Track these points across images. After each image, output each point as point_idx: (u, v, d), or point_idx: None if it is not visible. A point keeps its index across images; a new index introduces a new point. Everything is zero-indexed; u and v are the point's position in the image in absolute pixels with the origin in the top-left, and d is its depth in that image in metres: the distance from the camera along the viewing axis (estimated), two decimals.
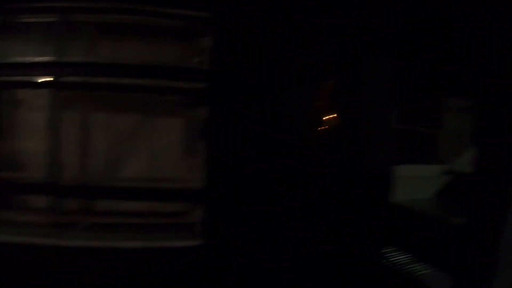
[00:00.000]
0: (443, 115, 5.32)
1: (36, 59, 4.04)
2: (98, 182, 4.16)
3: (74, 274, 3.50)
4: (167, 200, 4.16)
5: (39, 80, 4.08)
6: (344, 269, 3.15)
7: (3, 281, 3.47)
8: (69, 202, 4.13)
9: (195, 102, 4.18)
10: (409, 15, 2.73)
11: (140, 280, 3.41)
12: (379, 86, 3.23)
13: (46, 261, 3.62)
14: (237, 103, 3.82)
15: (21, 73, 4.00)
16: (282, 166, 3.84)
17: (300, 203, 3.68)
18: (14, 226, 4.02)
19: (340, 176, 3.41)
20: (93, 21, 4.13)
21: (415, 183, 4.77)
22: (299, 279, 3.25)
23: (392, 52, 3.11)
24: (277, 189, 3.75)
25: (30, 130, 4.16)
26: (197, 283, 3.47)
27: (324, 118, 4.36)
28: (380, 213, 3.17)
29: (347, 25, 3.21)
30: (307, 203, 3.56)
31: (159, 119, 4.25)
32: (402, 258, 3.60)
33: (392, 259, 3.60)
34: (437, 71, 3.70)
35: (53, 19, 4.08)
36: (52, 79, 4.06)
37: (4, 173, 4.09)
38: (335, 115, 3.99)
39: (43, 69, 3.97)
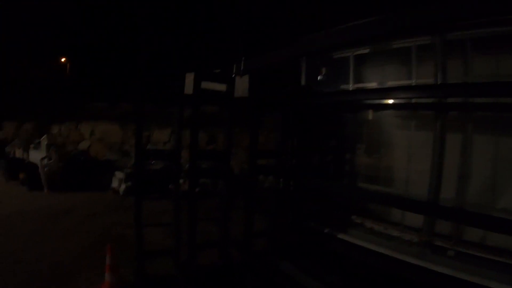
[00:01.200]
0: None
1: (410, 81, 4.27)
2: (475, 209, 3.72)
3: None
4: None
5: (418, 101, 4.23)
6: None
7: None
8: (443, 224, 3.99)
9: None
10: None
11: None
12: None
13: (405, 276, 3.62)
14: None
15: (395, 96, 4.23)
16: None
17: None
18: (378, 236, 4.33)
19: None
20: (469, 37, 3.96)
21: None
22: None
23: None
24: None
25: (404, 148, 4.45)
26: None
27: None
28: None
29: None
30: None
31: None
32: None
33: None
34: None
35: (429, 41, 4.18)
36: (431, 100, 4.16)
37: (371, 185, 4.62)
38: None
39: (418, 91, 4.03)
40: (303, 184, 4.76)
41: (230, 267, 4.06)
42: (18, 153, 9.35)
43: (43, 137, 8.29)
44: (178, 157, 3.37)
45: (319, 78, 4.98)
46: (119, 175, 8.52)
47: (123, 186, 8.25)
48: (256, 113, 4.19)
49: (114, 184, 8.43)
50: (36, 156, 8.17)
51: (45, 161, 7.95)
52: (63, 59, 15.20)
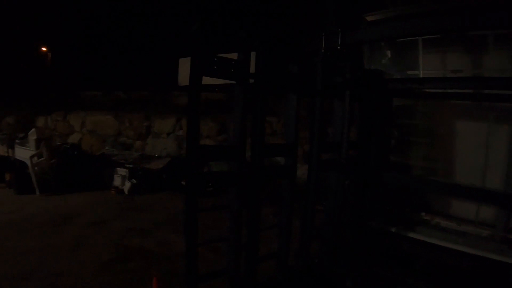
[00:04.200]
0: None
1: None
2: None
3: None
4: None
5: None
6: None
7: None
8: None
9: None
10: None
11: None
12: None
13: (483, 272, 3.54)
14: None
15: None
16: None
17: None
18: (452, 234, 3.97)
19: None
20: None
21: None
22: None
23: None
24: None
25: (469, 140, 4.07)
26: None
27: None
28: None
29: None
30: None
31: None
32: None
33: None
34: None
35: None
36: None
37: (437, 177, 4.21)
38: None
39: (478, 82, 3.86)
40: (369, 179, 4.14)
41: (292, 279, 3.34)
42: (2, 151, 8.21)
43: (31, 131, 7.14)
44: (242, 154, 2.49)
45: (383, 61, 4.23)
46: (121, 171, 7.53)
47: (127, 184, 7.27)
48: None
49: (117, 182, 7.43)
50: (23, 153, 7.04)
51: (35, 159, 6.87)
52: (44, 47, 13.87)
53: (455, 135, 4.17)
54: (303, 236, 3.45)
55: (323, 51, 3.28)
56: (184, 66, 10.94)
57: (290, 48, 3.05)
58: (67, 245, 4.30)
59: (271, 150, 2.90)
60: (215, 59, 2.32)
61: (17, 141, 7.56)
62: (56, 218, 5.26)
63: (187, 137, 2.26)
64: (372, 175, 4.21)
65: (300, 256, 3.54)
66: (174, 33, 10.12)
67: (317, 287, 3.47)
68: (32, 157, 6.80)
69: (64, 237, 4.54)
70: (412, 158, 4.41)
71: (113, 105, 9.63)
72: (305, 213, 3.42)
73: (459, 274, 3.58)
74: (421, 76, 4.14)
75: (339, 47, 3.37)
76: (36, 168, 6.81)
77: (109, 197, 6.83)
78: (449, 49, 4.06)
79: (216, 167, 6.56)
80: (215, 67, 2.33)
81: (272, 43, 2.55)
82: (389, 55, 4.34)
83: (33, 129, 7.35)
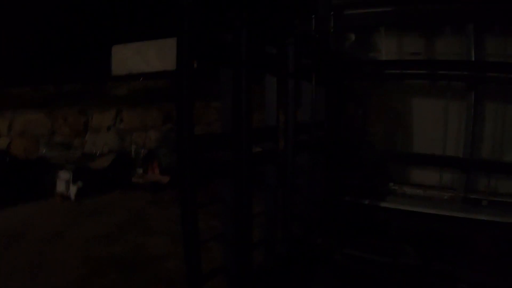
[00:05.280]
0: None
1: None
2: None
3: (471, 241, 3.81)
4: None
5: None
6: None
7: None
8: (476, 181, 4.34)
9: None
10: None
11: None
12: None
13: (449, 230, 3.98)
14: None
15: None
16: None
17: None
18: (419, 199, 4.44)
19: None
20: None
21: None
22: None
23: None
24: None
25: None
26: None
27: None
28: None
29: None
30: None
31: None
32: None
33: None
34: None
35: None
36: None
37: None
38: None
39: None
40: (338, 157, 4.29)
41: (282, 264, 3.33)
42: None
43: None
44: (238, 143, 2.30)
45: (348, 45, 4.32)
46: (63, 175, 6.75)
47: (73, 188, 6.57)
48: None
49: (60, 187, 6.65)
50: None
51: None
52: None
53: (414, 111, 4.48)
54: (284, 220, 3.43)
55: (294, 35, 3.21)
56: (118, 55, 10.07)
57: (271, 30, 2.90)
58: (23, 268, 3.72)
59: (258, 136, 2.76)
60: (209, 39, 2.08)
61: None
62: (0, 238, 4.58)
63: (179, 128, 2.01)
64: (341, 153, 4.34)
65: (284, 241, 3.54)
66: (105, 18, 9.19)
67: (308, 267, 3.51)
68: None
69: (18, 259, 3.92)
70: (377, 135, 4.63)
71: (44, 102, 8.54)
72: (283, 196, 3.38)
73: (430, 234, 3.88)
74: (384, 59, 4.36)
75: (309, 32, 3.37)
76: None
77: (56, 205, 6.14)
78: (408, 34, 4.34)
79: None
80: (209, 48, 2.11)
81: (255, 24, 2.37)
82: (353, 39, 4.47)
83: None
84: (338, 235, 3.76)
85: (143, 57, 9.48)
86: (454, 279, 3.31)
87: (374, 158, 4.45)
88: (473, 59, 4.04)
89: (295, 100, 3.13)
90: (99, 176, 7.18)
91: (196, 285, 2.34)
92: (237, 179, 2.50)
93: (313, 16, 3.77)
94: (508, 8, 3.73)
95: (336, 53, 4.24)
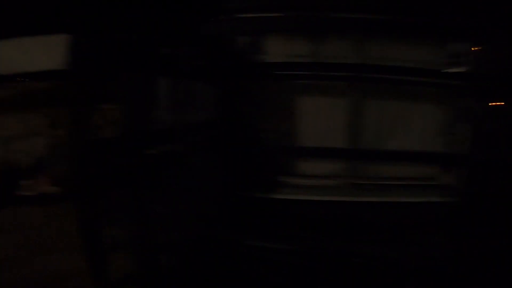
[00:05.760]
0: None
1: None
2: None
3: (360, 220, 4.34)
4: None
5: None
6: None
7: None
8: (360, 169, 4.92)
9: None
10: None
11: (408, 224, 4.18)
12: None
13: (342, 212, 4.48)
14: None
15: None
16: None
17: None
18: (312, 189, 4.82)
19: None
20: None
21: None
22: None
23: None
24: None
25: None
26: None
27: None
28: None
29: None
30: None
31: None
32: None
33: None
34: None
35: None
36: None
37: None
38: None
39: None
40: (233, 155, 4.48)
41: (186, 265, 3.36)
42: None
43: None
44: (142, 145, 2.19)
45: (241, 47, 4.51)
46: None
47: None
48: None
49: None
50: None
51: None
52: None
53: (304, 108, 4.84)
54: (186, 221, 3.47)
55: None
56: None
57: (164, 31, 2.88)
58: None
59: (153, 139, 2.73)
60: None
61: None
62: None
63: (74, 134, 1.87)
64: (236, 150, 4.57)
65: (187, 241, 3.57)
66: None
67: (212, 263, 3.61)
68: None
69: None
70: (271, 132, 4.84)
71: None
72: (181, 197, 3.41)
73: (325, 219, 4.33)
74: (274, 60, 4.62)
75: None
76: None
77: None
78: (297, 38, 4.67)
79: None
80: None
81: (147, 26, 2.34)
82: (247, 41, 4.66)
83: None
84: (240, 229, 3.92)
85: (27, 54, 8.46)
86: (349, 255, 3.80)
87: (267, 153, 4.73)
88: (354, 61, 4.55)
89: (190, 101, 3.18)
90: None
91: None
92: (133, 184, 2.45)
93: (208, 19, 3.84)
94: (386, 19, 4.34)
95: (230, 55, 4.41)
